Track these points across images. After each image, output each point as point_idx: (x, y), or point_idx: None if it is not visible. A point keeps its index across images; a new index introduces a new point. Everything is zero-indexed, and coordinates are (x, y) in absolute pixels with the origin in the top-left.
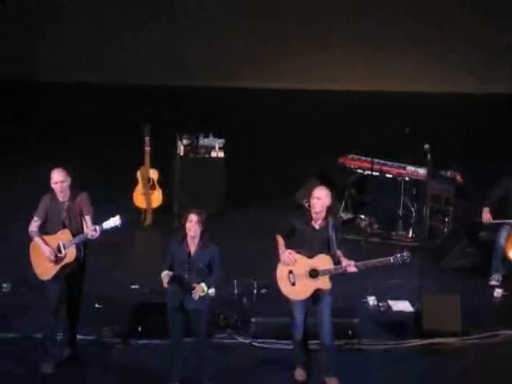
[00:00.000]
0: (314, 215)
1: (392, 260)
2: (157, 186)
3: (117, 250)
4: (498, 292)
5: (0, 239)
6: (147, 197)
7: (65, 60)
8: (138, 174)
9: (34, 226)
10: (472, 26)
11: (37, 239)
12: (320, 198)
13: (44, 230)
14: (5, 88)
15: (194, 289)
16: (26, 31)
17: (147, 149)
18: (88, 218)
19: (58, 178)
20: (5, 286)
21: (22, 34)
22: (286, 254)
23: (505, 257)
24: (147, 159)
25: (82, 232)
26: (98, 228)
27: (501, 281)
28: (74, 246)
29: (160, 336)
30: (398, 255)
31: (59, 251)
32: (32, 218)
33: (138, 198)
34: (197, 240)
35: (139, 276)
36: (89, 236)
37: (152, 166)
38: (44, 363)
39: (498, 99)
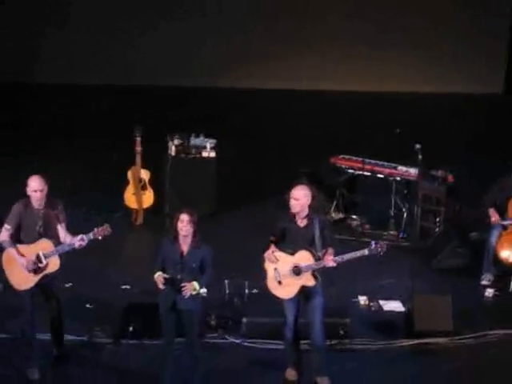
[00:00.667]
0: (296, 214)
1: (367, 252)
2: (148, 186)
3: (108, 251)
4: (489, 292)
5: None
6: (138, 197)
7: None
8: (129, 175)
9: (5, 235)
10: (469, 26)
11: (10, 250)
12: (298, 199)
13: (16, 238)
14: (8, 90)
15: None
16: (27, 31)
17: (138, 149)
18: (63, 226)
19: (38, 187)
20: None
21: (24, 34)
22: (269, 252)
23: (496, 257)
24: (138, 159)
25: (58, 241)
26: (85, 237)
27: (492, 281)
28: (57, 255)
29: (151, 336)
30: (373, 246)
31: (39, 261)
32: (2, 225)
33: (129, 199)
34: (189, 240)
35: (130, 276)
36: (76, 246)
37: (143, 167)
38: (30, 369)
39: (491, 99)
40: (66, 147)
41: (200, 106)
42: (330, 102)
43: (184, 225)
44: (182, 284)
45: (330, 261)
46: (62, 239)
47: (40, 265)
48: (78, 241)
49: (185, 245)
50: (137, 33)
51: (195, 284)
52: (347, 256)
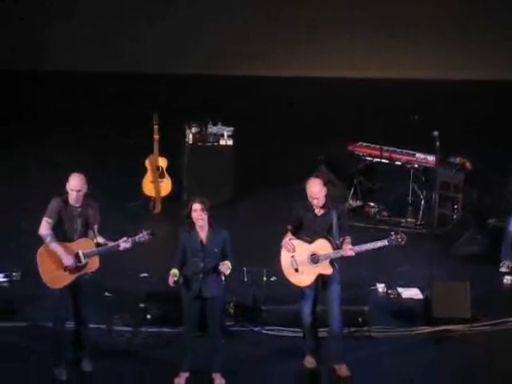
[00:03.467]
0: (313, 204)
1: (387, 242)
2: (166, 174)
3: None
4: (507, 279)
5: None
6: (156, 185)
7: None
8: (147, 163)
9: (46, 227)
10: (481, 14)
11: (54, 245)
12: (317, 198)
13: (56, 235)
14: (15, 78)
15: (216, 270)
16: (36, 20)
17: (156, 137)
18: (96, 228)
19: (77, 187)
20: (14, 274)
21: (33, 22)
22: (286, 240)
23: None
24: (156, 147)
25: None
26: (130, 240)
27: (511, 268)
28: (97, 256)
29: (169, 324)
30: (393, 237)
31: (78, 260)
32: (42, 219)
33: (147, 187)
34: (206, 227)
35: (149, 264)
36: (120, 248)
37: (161, 155)
38: (57, 370)
39: (506, 86)
40: (76, 135)
41: (209, 94)
42: (344, 89)
43: (198, 213)
44: (222, 264)
45: (348, 250)
46: (94, 240)
47: (79, 264)
48: (123, 243)
49: (203, 232)
50: (144, 21)
51: (228, 263)
52: (366, 246)
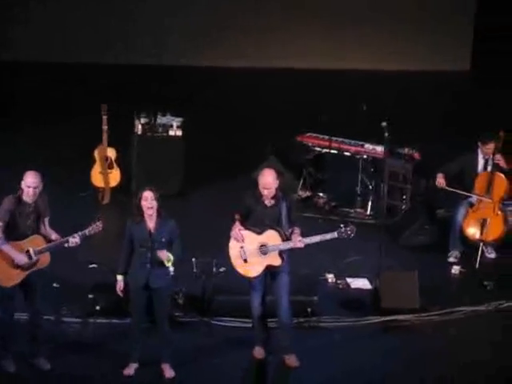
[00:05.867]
0: (263, 195)
1: (337, 234)
2: (114, 164)
3: (74, 230)
4: (455, 269)
5: None
6: (105, 176)
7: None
8: (96, 153)
9: None
10: (435, 4)
11: (5, 247)
12: (270, 188)
13: (7, 234)
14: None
15: (159, 259)
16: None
17: (104, 127)
18: (46, 220)
19: (34, 184)
20: None
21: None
22: (236, 231)
23: (463, 234)
24: (105, 138)
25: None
26: (80, 234)
27: (459, 258)
28: (48, 252)
29: (118, 315)
30: (343, 229)
31: (29, 257)
32: None
33: (96, 177)
34: (154, 216)
35: (97, 255)
36: (70, 244)
37: (109, 145)
38: (5, 361)
39: (458, 76)
40: (31, 127)
41: (168, 85)
42: (297, 79)
43: (149, 202)
44: (161, 252)
45: (298, 242)
46: (44, 233)
47: (30, 261)
48: (72, 239)
49: (151, 222)
50: (101, 10)
51: (167, 252)
52: (316, 238)
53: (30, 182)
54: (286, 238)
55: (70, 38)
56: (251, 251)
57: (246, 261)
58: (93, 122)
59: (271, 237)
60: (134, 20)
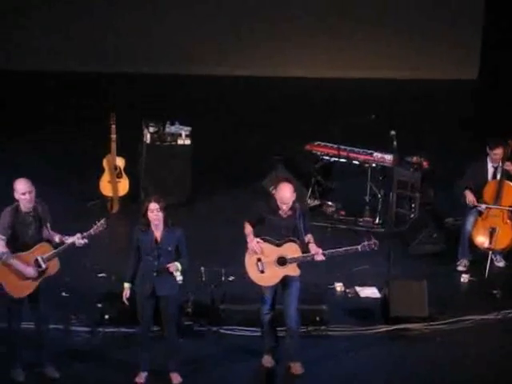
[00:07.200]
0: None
1: (360, 248)
2: (123, 174)
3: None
4: (464, 277)
5: None
6: (114, 185)
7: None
8: (105, 162)
9: (1, 245)
10: (443, 13)
11: (12, 261)
12: (288, 203)
13: (12, 246)
14: None
15: (167, 270)
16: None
17: (113, 136)
18: (49, 226)
19: (26, 189)
20: None
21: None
22: (254, 243)
23: (472, 242)
24: (113, 147)
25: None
26: (86, 234)
27: (468, 266)
28: (56, 257)
29: (127, 324)
30: (366, 243)
31: (38, 266)
32: None
33: (105, 187)
34: (161, 226)
35: (106, 264)
36: (76, 245)
37: (118, 154)
38: (14, 370)
39: (466, 85)
40: (39, 136)
41: (177, 93)
42: (306, 88)
43: (155, 213)
44: (168, 265)
45: (319, 255)
46: (48, 237)
47: (39, 269)
48: (79, 239)
49: (158, 231)
50: (113, 17)
51: (177, 264)
52: (338, 251)
53: (22, 189)
54: (305, 249)
55: (80, 47)
56: (269, 263)
57: (263, 272)
58: (101, 131)
59: (290, 249)
60: (141, 29)
